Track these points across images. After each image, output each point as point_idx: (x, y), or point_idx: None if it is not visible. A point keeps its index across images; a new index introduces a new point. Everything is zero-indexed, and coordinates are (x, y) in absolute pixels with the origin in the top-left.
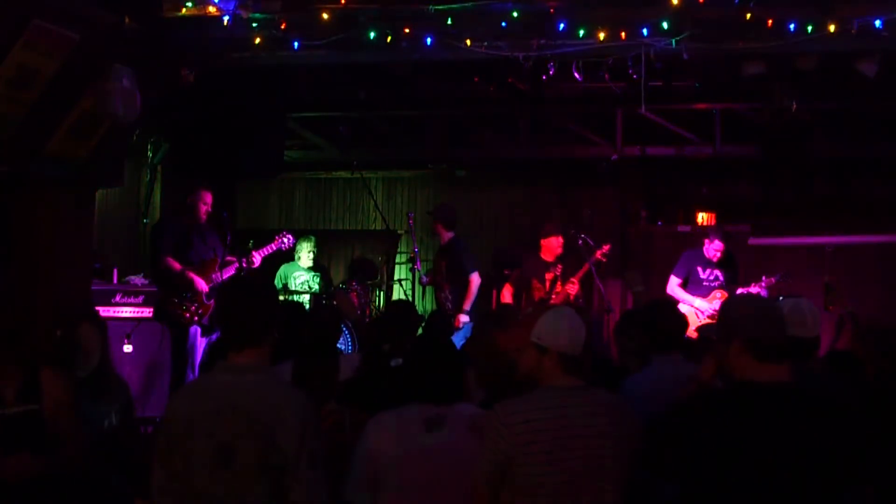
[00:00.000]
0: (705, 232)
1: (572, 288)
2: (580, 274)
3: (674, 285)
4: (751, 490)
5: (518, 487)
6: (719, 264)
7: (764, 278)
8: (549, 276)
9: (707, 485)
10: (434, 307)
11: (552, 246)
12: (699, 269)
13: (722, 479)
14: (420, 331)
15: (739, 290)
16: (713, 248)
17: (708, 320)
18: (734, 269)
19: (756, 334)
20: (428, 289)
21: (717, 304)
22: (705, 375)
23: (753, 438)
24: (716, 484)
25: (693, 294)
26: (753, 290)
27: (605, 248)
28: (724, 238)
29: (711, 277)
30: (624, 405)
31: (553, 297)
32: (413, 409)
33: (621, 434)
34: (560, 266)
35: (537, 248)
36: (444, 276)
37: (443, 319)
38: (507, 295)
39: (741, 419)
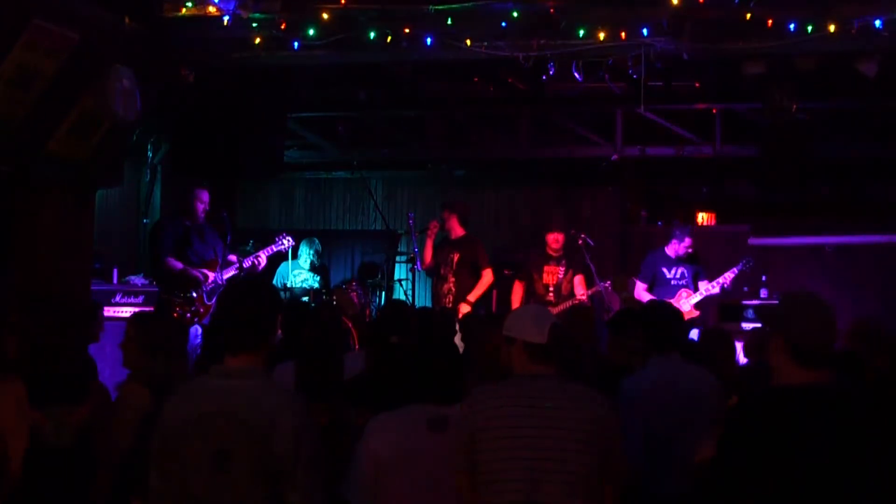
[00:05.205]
0: (672, 231)
1: (583, 298)
2: (592, 290)
3: (640, 290)
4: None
5: (480, 472)
6: (685, 261)
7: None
8: (549, 269)
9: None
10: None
11: (552, 241)
12: (664, 269)
13: (769, 490)
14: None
15: (706, 284)
16: (683, 247)
17: None
18: (699, 263)
19: (800, 338)
20: (427, 288)
21: (683, 304)
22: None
23: (798, 446)
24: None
25: (661, 295)
26: (721, 281)
27: (608, 283)
28: (693, 235)
29: (678, 275)
30: (595, 398)
31: (560, 305)
32: (415, 409)
33: (586, 426)
34: (563, 266)
35: (542, 244)
36: (453, 268)
37: (434, 317)
38: (517, 294)
39: (775, 427)
